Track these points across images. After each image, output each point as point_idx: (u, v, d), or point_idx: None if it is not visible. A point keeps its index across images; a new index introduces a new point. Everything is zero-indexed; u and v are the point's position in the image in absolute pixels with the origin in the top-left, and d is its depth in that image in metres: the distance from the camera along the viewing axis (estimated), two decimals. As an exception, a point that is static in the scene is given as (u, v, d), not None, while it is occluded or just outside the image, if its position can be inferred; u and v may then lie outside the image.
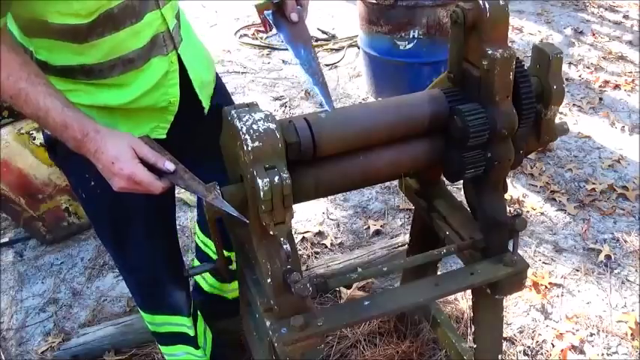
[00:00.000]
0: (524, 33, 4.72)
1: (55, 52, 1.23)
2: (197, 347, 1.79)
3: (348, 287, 2.29)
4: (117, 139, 1.16)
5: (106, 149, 1.14)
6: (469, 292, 1.69)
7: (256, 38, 4.74)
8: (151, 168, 1.17)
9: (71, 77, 1.26)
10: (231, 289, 1.97)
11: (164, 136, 1.41)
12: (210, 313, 1.95)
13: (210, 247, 1.90)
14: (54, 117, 1.13)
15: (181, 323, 1.73)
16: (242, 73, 4.22)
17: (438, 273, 1.81)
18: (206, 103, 1.50)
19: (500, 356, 1.53)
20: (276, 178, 1.01)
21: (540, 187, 2.92)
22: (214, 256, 1.90)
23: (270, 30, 1.61)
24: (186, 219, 2.79)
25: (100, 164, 1.16)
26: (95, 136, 1.15)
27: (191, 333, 1.75)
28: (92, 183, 1.40)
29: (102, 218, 1.52)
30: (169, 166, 1.18)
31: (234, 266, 1.80)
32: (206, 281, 2.00)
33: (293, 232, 1.79)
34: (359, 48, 3.85)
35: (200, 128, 1.51)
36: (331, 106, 1.24)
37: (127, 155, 1.14)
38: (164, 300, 1.67)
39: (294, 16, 1.37)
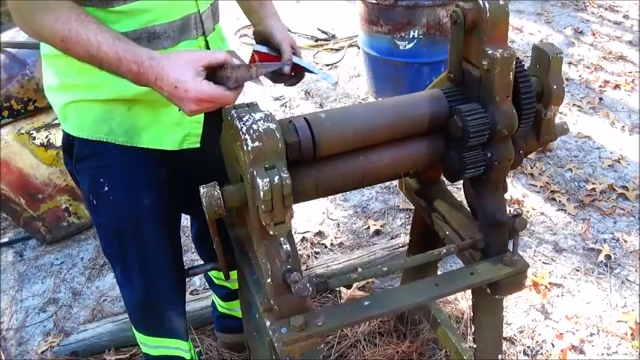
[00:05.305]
0: (524, 33, 4.72)
1: None
2: None
3: (348, 287, 2.29)
4: (173, 60, 1.11)
5: (164, 74, 1.09)
6: (469, 292, 1.69)
7: (256, 38, 4.73)
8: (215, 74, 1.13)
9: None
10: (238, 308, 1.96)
11: (198, 145, 1.37)
12: (223, 327, 2.09)
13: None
14: (106, 51, 1.09)
15: (177, 347, 1.68)
16: (242, 73, 4.22)
17: (438, 273, 1.81)
18: None
19: (500, 356, 1.53)
20: (276, 178, 1.01)
21: (540, 187, 2.92)
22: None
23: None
24: (186, 218, 2.78)
25: (164, 92, 1.12)
26: (151, 64, 1.10)
27: (187, 357, 1.71)
28: (106, 188, 1.36)
29: (110, 228, 1.46)
30: (236, 59, 1.15)
31: (234, 286, 1.81)
32: (217, 303, 2.03)
33: (293, 232, 1.78)
34: (359, 48, 3.85)
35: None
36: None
37: (187, 74, 1.09)
38: (163, 322, 1.62)
39: (287, 69, 1.35)
